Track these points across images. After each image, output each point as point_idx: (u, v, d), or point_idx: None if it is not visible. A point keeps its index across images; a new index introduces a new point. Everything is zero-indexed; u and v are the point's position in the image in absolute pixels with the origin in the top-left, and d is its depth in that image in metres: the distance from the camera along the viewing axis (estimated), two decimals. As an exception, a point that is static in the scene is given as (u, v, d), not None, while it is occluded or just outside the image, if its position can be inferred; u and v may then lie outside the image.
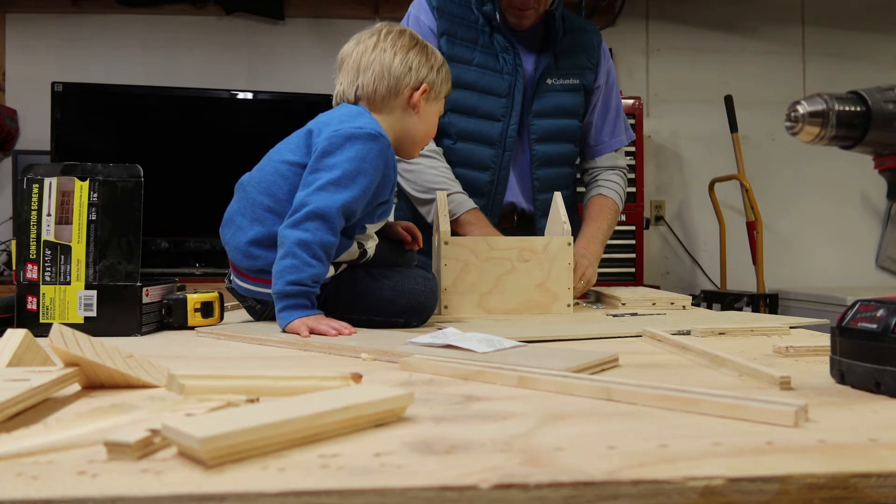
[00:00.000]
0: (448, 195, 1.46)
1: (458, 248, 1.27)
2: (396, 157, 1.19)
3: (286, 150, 1.13)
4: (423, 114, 1.19)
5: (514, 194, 1.62)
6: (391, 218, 1.47)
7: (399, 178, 1.57)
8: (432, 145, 1.56)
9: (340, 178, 1.04)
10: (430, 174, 1.53)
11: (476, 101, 1.55)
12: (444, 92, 1.22)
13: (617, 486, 0.40)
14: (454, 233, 1.41)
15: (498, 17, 1.54)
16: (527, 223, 1.62)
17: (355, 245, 1.13)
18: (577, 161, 1.73)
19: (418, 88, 1.16)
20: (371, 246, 1.18)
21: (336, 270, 1.13)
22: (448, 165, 1.56)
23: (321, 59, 3.15)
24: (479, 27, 1.56)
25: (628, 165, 3.01)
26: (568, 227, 1.32)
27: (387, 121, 1.16)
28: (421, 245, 1.32)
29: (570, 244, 1.31)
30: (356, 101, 1.17)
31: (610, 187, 1.67)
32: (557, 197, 1.39)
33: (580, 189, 1.76)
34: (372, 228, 1.17)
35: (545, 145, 1.59)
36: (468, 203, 1.51)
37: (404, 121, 1.18)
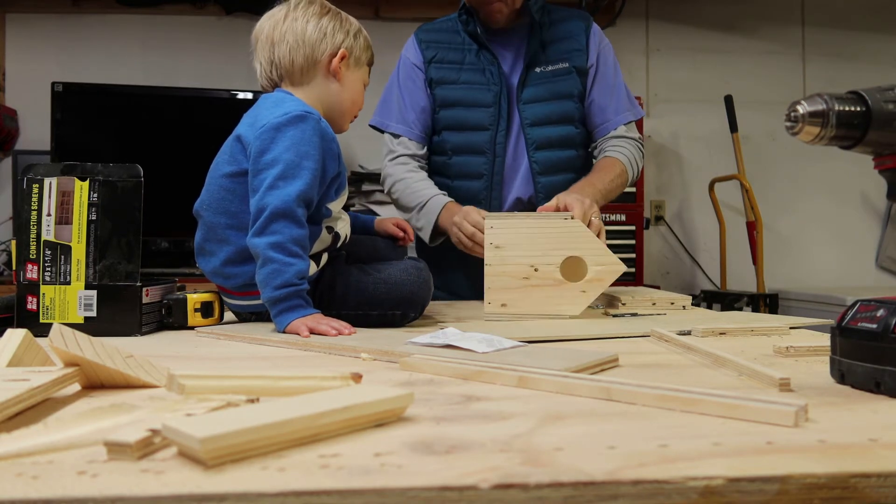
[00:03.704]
0: (423, 205, 1.54)
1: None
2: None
3: (222, 163, 1.11)
4: (346, 81, 1.17)
5: (517, 188, 1.63)
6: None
7: (392, 200, 1.66)
8: (403, 153, 1.63)
9: (285, 170, 1.02)
10: (410, 192, 1.59)
11: (464, 115, 1.61)
12: (364, 59, 1.20)
13: (617, 486, 0.40)
14: (438, 230, 1.51)
15: (479, 30, 1.59)
16: (531, 210, 1.62)
17: (325, 231, 1.13)
18: (587, 143, 1.72)
19: (336, 55, 1.14)
20: (342, 227, 1.17)
21: (318, 264, 1.12)
22: (423, 173, 1.63)
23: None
24: (465, 47, 1.63)
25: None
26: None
27: (311, 94, 1.15)
28: (413, 239, 1.33)
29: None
30: (279, 81, 1.16)
31: (615, 150, 1.65)
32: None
33: None
34: (336, 207, 1.15)
35: (540, 129, 1.61)
36: (441, 201, 1.54)
37: (328, 91, 1.16)
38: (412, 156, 1.64)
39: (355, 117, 1.24)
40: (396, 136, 1.65)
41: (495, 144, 1.60)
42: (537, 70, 1.61)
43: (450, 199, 1.55)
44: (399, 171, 1.63)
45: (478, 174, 1.61)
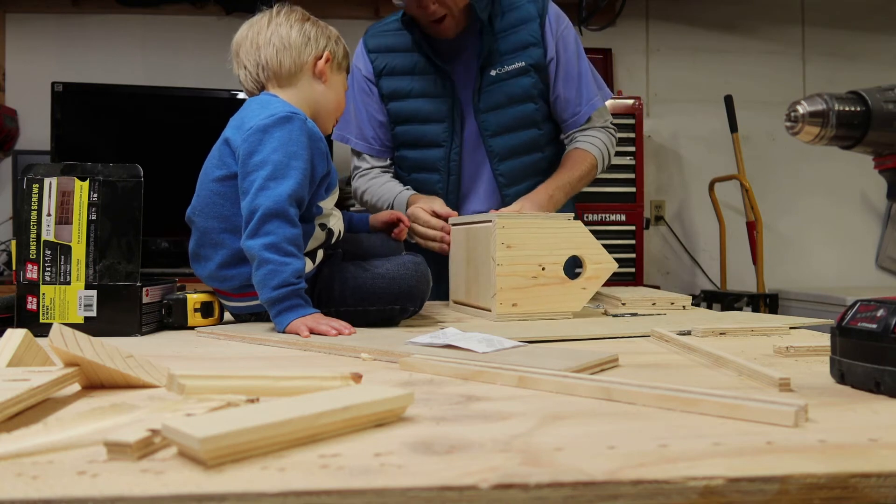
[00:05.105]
0: (391, 206, 1.55)
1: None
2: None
3: (212, 167, 1.12)
4: (331, 83, 1.20)
5: (478, 203, 1.59)
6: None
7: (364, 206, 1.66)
8: (366, 167, 1.63)
9: (275, 170, 1.03)
10: (377, 199, 1.59)
11: (420, 130, 1.56)
12: (344, 65, 1.23)
13: (617, 486, 0.40)
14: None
15: (423, 42, 1.51)
16: None
17: (318, 228, 1.13)
18: (551, 140, 1.65)
19: (321, 58, 1.17)
20: (335, 223, 1.17)
21: (314, 261, 1.13)
22: (385, 176, 1.63)
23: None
24: (415, 50, 1.54)
25: (628, 166, 3.05)
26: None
27: (297, 95, 1.16)
28: (409, 225, 1.35)
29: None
30: (266, 83, 1.17)
31: (586, 142, 1.59)
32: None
33: None
34: (327, 205, 1.16)
35: (502, 138, 1.55)
36: (404, 198, 1.54)
37: (314, 92, 1.18)
38: (375, 167, 1.63)
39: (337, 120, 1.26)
40: (359, 153, 1.64)
41: (449, 162, 1.55)
42: (493, 73, 1.52)
43: (412, 192, 1.54)
44: (363, 182, 1.63)
45: (433, 192, 1.57)
